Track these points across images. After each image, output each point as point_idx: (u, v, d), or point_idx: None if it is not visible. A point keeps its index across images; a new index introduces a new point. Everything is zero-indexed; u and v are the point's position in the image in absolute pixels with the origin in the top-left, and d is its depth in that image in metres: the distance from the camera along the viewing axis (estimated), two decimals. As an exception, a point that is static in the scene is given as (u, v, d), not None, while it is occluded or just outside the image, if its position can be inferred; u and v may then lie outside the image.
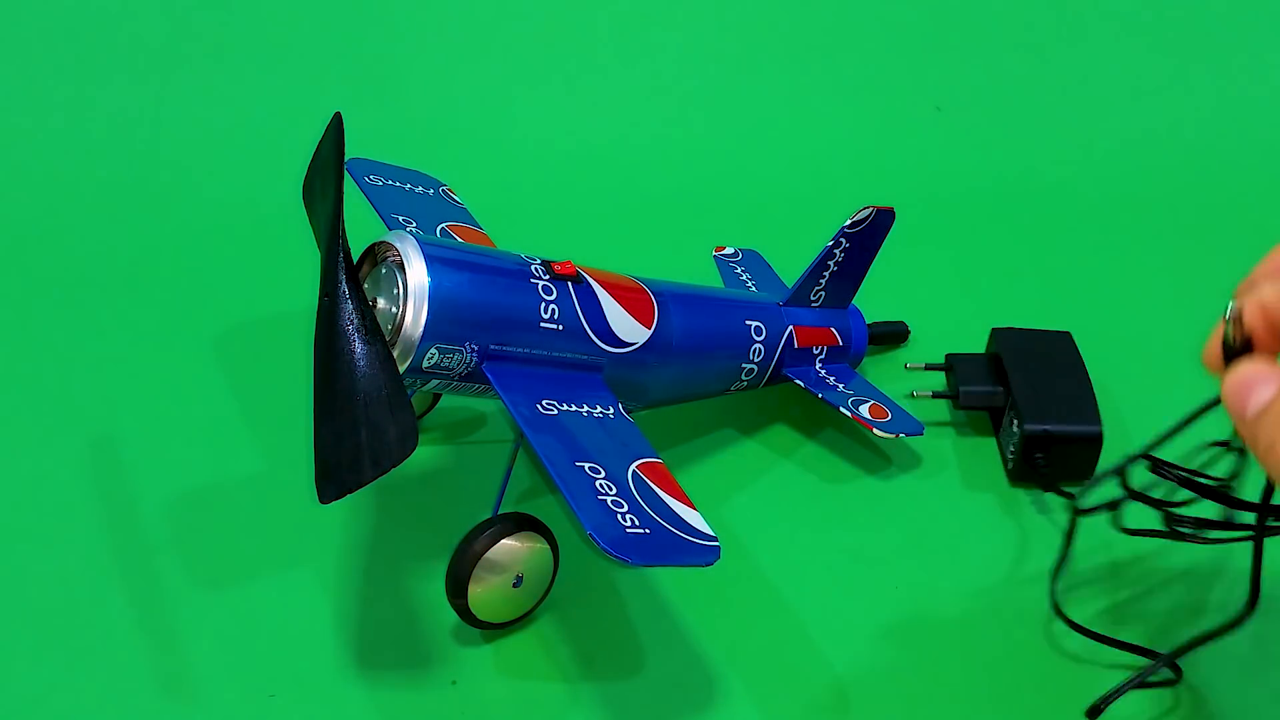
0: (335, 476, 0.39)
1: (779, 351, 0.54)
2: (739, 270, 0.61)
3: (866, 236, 0.54)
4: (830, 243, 0.54)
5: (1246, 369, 0.33)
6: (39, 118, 0.75)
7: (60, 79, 0.76)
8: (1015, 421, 0.53)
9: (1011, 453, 0.53)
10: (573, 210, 0.72)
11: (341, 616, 0.48)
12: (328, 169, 0.42)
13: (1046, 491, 0.53)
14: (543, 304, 0.45)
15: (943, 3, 0.85)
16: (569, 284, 0.46)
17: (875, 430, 0.53)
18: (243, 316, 0.63)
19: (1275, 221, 0.73)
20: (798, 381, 0.55)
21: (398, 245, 0.43)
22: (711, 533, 0.41)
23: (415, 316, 0.42)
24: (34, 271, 0.66)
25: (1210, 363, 0.35)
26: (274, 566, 0.50)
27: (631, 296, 0.48)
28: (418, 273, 0.42)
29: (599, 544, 0.37)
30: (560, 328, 0.45)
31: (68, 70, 0.76)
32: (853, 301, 0.58)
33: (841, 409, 0.53)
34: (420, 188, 0.56)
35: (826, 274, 0.55)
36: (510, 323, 0.44)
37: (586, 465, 0.41)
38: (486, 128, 0.78)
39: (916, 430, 0.54)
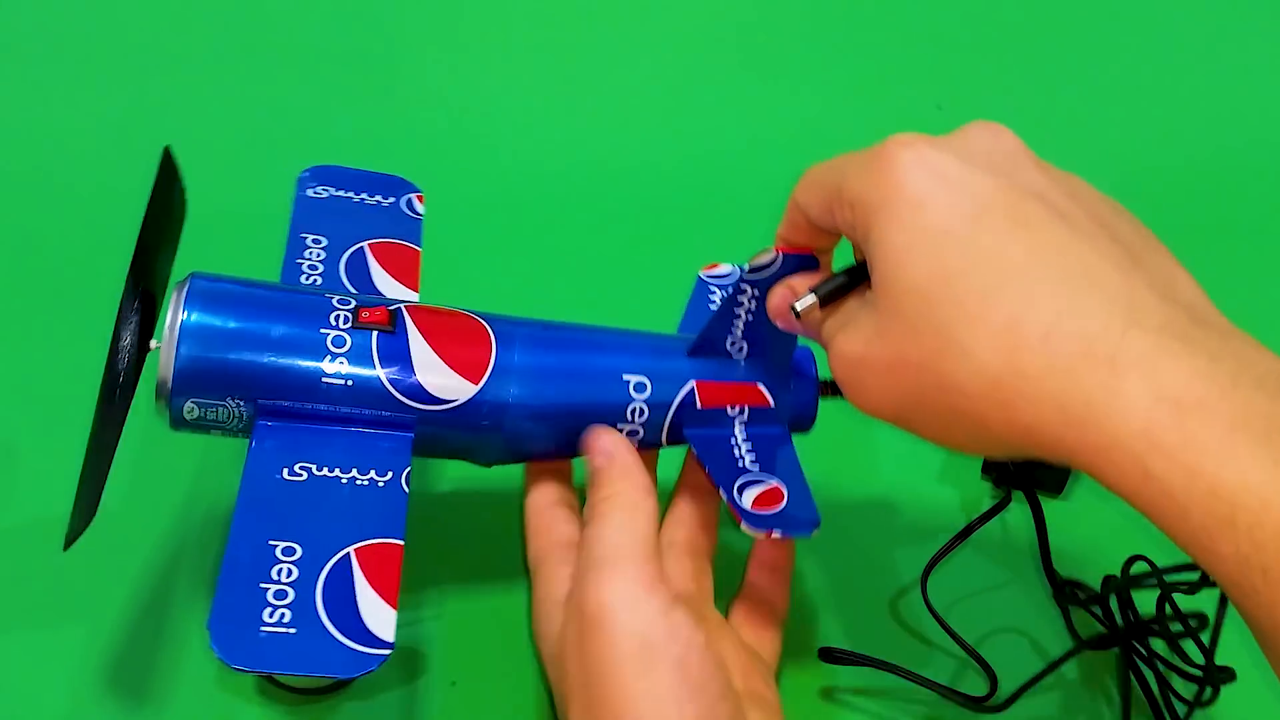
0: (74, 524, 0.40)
1: (671, 412, 0.46)
2: (716, 298, 0.52)
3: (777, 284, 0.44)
4: (732, 289, 0.44)
5: None
6: (34, 117, 0.74)
7: (55, 79, 0.77)
8: None
9: None
10: (571, 211, 0.70)
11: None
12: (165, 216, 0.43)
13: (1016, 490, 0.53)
14: (328, 357, 0.43)
15: (944, 2, 0.86)
16: (373, 334, 0.43)
17: (742, 524, 0.43)
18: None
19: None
20: (692, 448, 0.46)
21: (175, 293, 0.43)
22: (390, 639, 0.37)
23: (166, 371, 0.42)
24: (34, 272, 0.65)
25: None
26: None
27: (460, 348, 0.44)
28: (173, 325, 0.42)
29: (210, 638, 0.36)
30: (349, 383, 0.43)
31: (62, 70, 0.77)
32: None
33: (721, 490, 0.44)
34: (379, 197, 0.54)
35: (739, 323, 0.46)
36: (282, 379, 0.42)
37: (280, 546, 0.39)
38: (484, 129, 0.75)
39: (803, 530, 0.43)
